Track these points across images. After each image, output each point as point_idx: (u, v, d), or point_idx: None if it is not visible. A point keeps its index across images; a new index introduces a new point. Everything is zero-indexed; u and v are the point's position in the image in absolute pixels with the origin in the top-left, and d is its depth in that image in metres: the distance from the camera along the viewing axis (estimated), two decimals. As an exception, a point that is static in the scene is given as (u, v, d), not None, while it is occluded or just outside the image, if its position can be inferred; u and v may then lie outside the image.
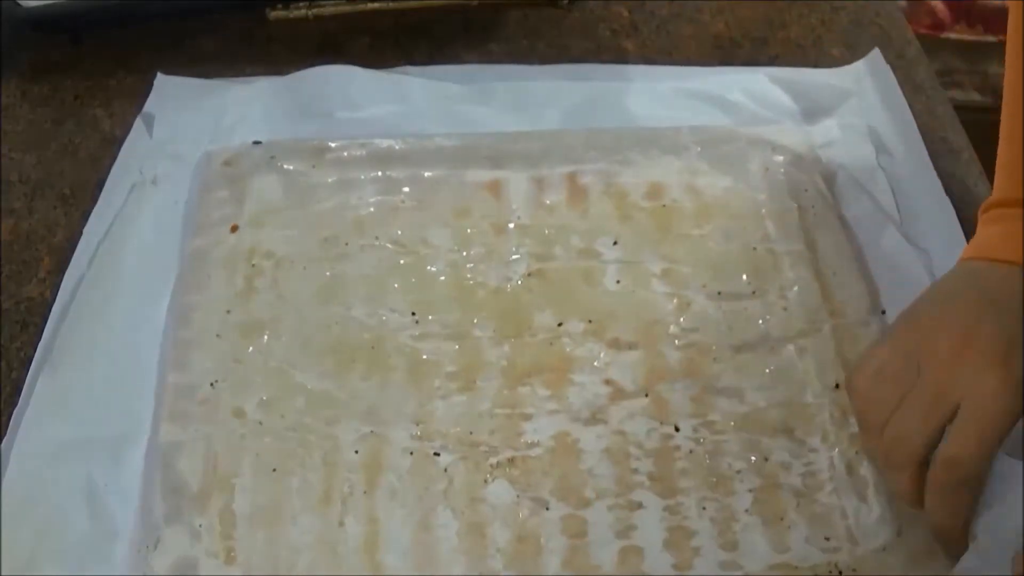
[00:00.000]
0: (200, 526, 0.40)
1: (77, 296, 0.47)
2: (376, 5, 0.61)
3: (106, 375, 0.45)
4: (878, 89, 0.58)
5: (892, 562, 0.40)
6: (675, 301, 0.48)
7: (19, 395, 0.44)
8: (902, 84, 0.59)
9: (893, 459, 0.39)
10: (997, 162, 0.44)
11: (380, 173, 0.52)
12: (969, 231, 0.47)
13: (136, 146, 0.54)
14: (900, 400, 0.38)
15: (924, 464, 0.37)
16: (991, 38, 0.91)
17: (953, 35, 0.93)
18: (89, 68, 0.59)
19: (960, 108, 0.60)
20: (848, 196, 0.53)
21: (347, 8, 0.61)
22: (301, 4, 0.60)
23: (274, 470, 0.42)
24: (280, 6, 0.60)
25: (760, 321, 0.47)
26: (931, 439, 0.37)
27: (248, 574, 0.39)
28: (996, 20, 0.90)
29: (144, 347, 0.46)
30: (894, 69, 0.60)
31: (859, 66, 0.60)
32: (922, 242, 0.51)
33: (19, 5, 0.57)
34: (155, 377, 0.45)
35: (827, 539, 0.41)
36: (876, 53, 0.59)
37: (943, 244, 0.50)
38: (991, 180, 0.45)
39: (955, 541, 0.38)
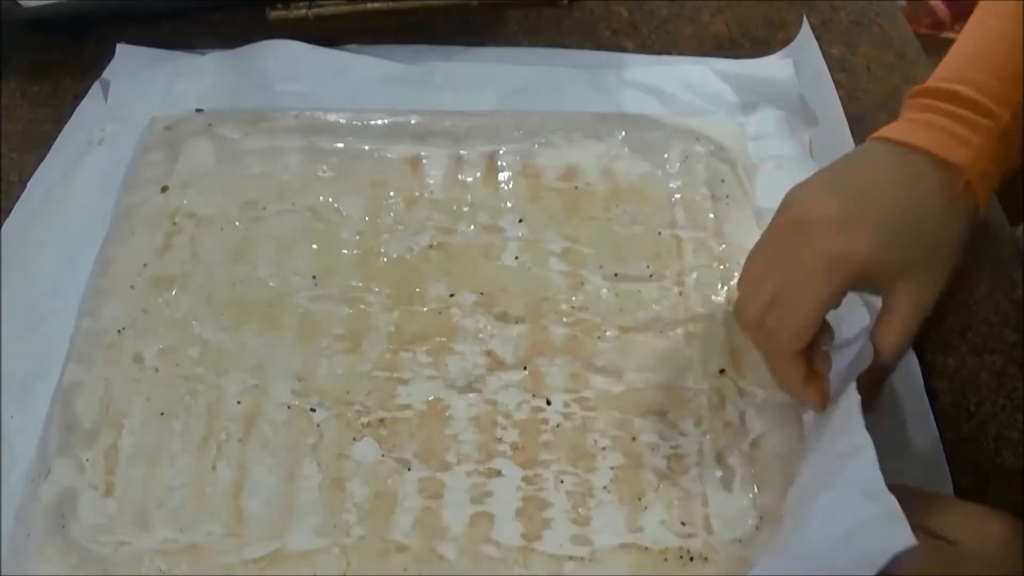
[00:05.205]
0: (87, 460, 0.43)
1: (9, 244, 0.50)
2: (376, 5, 0.61)
3: (29, 318, 0.48)
4: (808, 64, 0.58)
5: (746, 554, 0.40)
6: (569, 280, 0.48)
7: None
8: (902, 84, 0.58)
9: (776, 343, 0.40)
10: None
11: (307, 143, 0.54)
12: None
13: (90, 109, 0.56)
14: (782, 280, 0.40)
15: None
16: (992, 38, 0.88)
17: (953, 35, 0.89)
18: (89, 68, 0.59)
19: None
20: (770, 189, 0.52)
21: (347, 8, 0.61)
22: (301, 4, 0.60)
23: (161, 414, 0.44)
24: (280, 6, 0.60)
25: (654, 304, 0.47)
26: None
27: (122, 506, 0.42)
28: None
29: (69, 294, 0.49)
30: (893, 69, 0.59)
31: (794, 45, 0.59)
32: None
33: (19, 5, 0.56)
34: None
35: (683, 524, 0.41)
36: (805, 27, 0.59)
37: None
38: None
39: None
